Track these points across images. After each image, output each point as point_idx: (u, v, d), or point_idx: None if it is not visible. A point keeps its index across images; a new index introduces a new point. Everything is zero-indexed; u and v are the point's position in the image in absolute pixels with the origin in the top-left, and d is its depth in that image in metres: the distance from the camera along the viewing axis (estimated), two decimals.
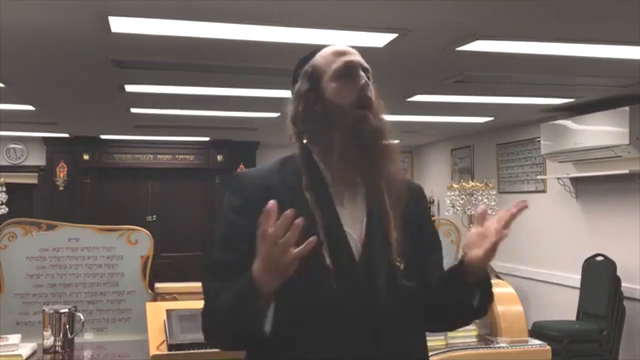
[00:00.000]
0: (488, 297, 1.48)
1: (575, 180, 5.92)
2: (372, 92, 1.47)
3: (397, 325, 1.41)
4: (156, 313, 2.64)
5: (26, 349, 2.53)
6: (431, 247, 1.58)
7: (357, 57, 1.50)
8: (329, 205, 1.43)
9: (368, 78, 1.48)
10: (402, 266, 1.42)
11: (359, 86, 1.45)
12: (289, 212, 1.22)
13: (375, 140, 1.43)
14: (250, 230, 1.32)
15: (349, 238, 1.43)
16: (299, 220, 1.22)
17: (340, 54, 1.50)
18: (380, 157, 1.44)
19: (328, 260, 1.37)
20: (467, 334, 2.88)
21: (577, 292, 5.56)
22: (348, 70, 1.46)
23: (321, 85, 1.47)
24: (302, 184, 1.44)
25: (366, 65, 1.50)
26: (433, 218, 6.28)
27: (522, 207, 1.41)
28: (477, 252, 1.39)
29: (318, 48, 1.56)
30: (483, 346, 2.82)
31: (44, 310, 2.65)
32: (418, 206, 1.57)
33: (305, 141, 1.50)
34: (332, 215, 1.43)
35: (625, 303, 5.16)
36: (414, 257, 1.47)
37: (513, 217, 1.41)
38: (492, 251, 1.38)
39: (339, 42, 1.57)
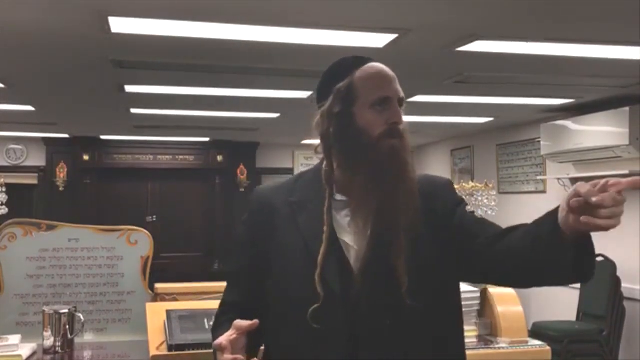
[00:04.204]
0: (591, 257, 1.27)
1: (575, 181, 5.91)
2: (403, 125, 1.46)
3: (393, 337, 1.40)
4: (156, 313, 2.63)
5: (26, 349, 2.53)
6: (480, 224, 1.48)
7: (395, 84, 1.48)
8: (329, 220, 1.44)
9: (401, 105, 1.48)
10: (406, 284, 1.38)
11: (393, 120, 1.44)
12: None
13: (399, 172, 1.43)
14: (249, 242, 1.55)
15: (350, 250, 1.44)
16: None
17: (380, 79, 1.47)
18: (400, 186, 1.42)
19: (318, 284, 1.38)
20: (467, 334, 2.87)
21: (577, 293, 5.55)
22: (385, 101, 1.45)
23: (354, 109, 1.44)
24: (308, 199, 1.49)
25: (402, 94, 1.49)
26: None
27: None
28: (579, 224, 1.19)
29: (354, 60, 1.50)
30: (483, 346, 2.81)
31: (44, 311, 2.64)
32: (443, 201, 1.51)
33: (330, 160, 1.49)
34: (331, 230, 1.44)
35: (625, 303, 5.16)
36: (431, 273, 1.42)
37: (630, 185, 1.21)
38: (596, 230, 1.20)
39: (379, 64, 1.50)
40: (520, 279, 1.44)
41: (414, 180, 1.45)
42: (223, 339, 1.36)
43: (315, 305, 1.37)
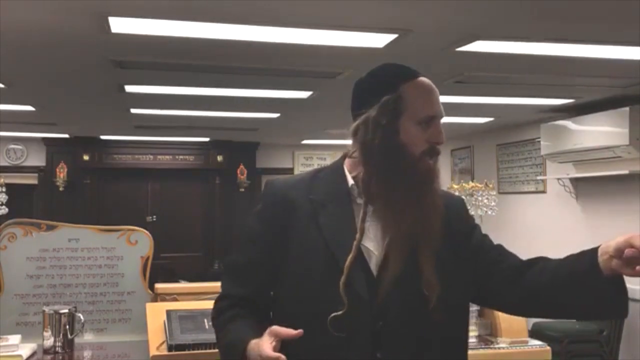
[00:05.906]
0: (625, 295, 1.37)
1: (575, 181, 5.92)
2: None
3: (410, 341, 1.41)
4: (156, 313, 2.64)
5: (26, 349, 2.53)
6: (498, 250, 1.55)
7: (440, 102, 1.50)
8: (350, 222, 1.45)
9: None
10: (434, 298, 1.39)
11: (435, 141, 1.46)
12: None
13: (431, 191, 1.45)
14: (263, 236, 1.50)
15: (371, 256, 1.44)
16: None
17: (429, 97, 1.49)
18: (430, 201, 1.45)
19: (343, 278, 1.39)
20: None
21: None
22: (431, 120, 1.46)
23: (400, 122, 1.44)
24: (328, 199, 1.49)
25: (443, 112, 1.51)
26: None
27: None
28: (623, 269, 1.32)
29: (403, 71, 1.52)
30: (483, 346, 2.81)
31: (44, 311, 2.65)
32: (459, 219, 1.56)
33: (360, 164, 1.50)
34: (352, 232, 1.44)
35: None
36: (451, 285, 1.44)
37: None
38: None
39: (427, 79, 1.55)
40: (554, 311, 1.51)
41: (440, 196, 1.47)
42: (271, 352, 1.31)
43: (339, 312, 1.36)
